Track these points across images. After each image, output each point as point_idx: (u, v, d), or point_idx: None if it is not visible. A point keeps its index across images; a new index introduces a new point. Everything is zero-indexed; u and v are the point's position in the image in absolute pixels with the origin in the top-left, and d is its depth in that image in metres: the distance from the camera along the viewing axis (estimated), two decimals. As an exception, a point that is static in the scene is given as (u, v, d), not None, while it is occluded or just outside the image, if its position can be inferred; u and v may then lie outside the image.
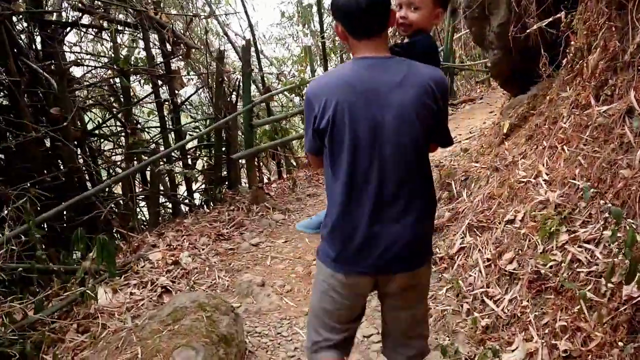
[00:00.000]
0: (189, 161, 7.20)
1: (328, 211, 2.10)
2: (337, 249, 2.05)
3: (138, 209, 6.58)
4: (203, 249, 4.77)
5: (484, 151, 5.87)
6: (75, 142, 5.67)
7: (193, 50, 6.87)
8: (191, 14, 6.89)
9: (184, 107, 7.94)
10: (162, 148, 6.58)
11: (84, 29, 6.50)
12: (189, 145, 7.35)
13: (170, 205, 6.81)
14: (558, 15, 4.62)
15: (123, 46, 7.11)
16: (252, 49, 8.37)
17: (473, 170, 5.04)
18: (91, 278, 3.92)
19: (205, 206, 6.22)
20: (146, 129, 7.62)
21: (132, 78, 7.82)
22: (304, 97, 2.28)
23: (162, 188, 6.68)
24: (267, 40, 13.44)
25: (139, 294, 3.87)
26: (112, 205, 5.92)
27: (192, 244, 4.83)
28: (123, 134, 6.22)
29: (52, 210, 4.02)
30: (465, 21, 6.71)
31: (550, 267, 3.13)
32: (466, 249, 4.02)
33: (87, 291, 3.32)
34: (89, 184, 6.01)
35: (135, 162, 6.12)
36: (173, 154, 6.70)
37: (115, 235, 5.28)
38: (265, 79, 9.38)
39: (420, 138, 1.98)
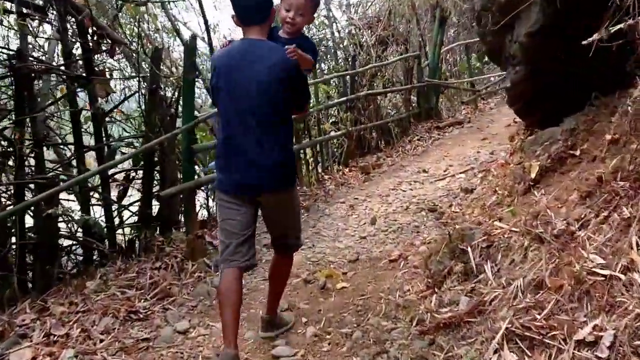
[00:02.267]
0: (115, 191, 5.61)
1: (217, 150, 3.09)
2: (224, 177, 2.97)
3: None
4: (102, 340, 3.23)
5: (501, 200, 4.48)
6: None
7: (122, 47, 5.31)
8: (120, -2, 5.32)
9: (114, 119, 6.34)
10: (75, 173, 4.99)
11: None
12: (122, 167, 5.76)
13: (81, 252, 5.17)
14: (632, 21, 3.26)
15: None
16: (207, 50, 6.84)
17: (498, 234, 3.63)
18: None
19: (123, 256, 4.60)
20: (63, 146, 6.00)
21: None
22: None
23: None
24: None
25: None
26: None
27: (85, 330, 3.29)
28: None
29: None
30: (477, 29, 5.33)
31: None
32: (509, 377, 2.57)
33: None
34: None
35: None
36: (92, 180, 5.13)
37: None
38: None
39: (279, 94, 2.83)
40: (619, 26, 3.27)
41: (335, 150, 8.00)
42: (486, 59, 16.70)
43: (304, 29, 3.24)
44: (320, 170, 7.26)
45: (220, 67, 2.86)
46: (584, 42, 3.36)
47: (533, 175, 4.21)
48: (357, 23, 9.88)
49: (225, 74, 2.83)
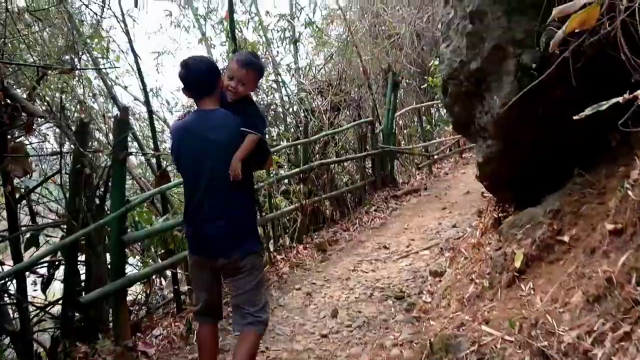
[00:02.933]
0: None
1: (183, 212, 3.30)
2: (188, 240, 3.28)
3: None
4: None
5: (482, 292, 3.98)
6: None
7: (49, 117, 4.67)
8: (41, 64, 4.67)
9: (41, 197, 5.63)
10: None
11: None
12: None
13: None
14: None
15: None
16: (141, 119, 6.24)
17: (489, 343, 3.08)
18: None
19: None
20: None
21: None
22: None
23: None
24: (172, 107, 11.34)
25: None
26: None
27: None
28: None
29: None
30: (443, 99, 4.95)
31: None
32: None
33: None
34: None
35: None
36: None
37: None
38: (165, 161, 7.21)
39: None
40: (615, 100, 2.89)
41: (287, 224, 7.40)
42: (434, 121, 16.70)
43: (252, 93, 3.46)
44: (272, 249, 6.63)
45: (179, 138, 3.10)
46: (575, 117, 2.95)
47: (518, 265, 3.74)
48: (308, 88, 9.50)
49: (184, 142, 3.07)
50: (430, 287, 5.06)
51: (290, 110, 10.11)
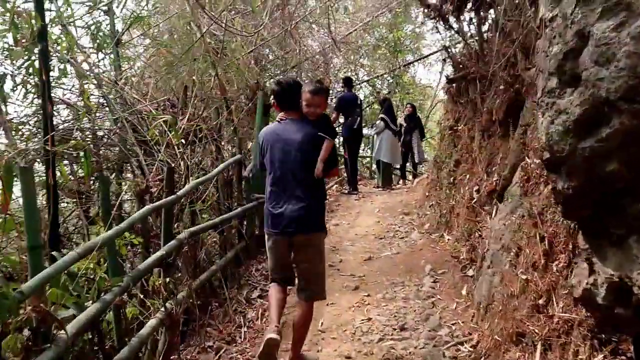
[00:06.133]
0: None
1: (265, 201, 4.40)
2: (269, 222, 4.30)
3: None
4: None
5: None
6: None
7: None
8: None
9: None
10: None
11: None
12: None
13: None
14: None
15: None
16: None
17: None
18: None
19: None
20: None
21: None
22: None
23: None
24: None
25: None
26: None
27: None
28: None
29: None
30: (570, 141, 2.57)
31: None
32: None
33: None
34: None
35: None
36: None
37: None
38: None
39: (314, 154, 4.19)
40: None
41: (146, 347, 4.38)
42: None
43: None
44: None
45: (268, 138, 4.39)
46: None
47: None
48: (147, 108, 6.49)
49: (272, 142, 4.32)
50: None
51: (119, 143, 6.87)
